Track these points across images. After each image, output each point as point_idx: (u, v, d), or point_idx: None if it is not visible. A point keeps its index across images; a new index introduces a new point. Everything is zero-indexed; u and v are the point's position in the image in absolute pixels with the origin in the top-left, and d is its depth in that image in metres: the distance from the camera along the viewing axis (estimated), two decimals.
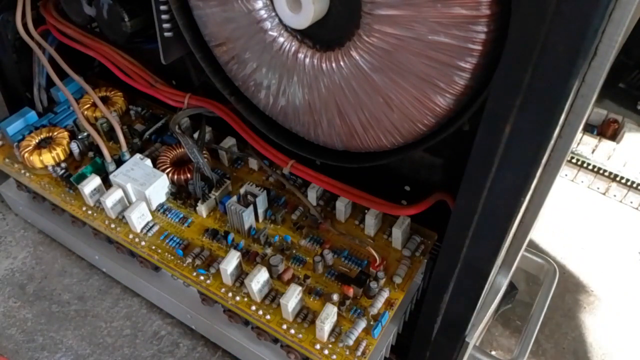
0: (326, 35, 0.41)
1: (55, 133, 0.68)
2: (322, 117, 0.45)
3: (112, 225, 0.61)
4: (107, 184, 0.62)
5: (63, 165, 0.67)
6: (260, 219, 0.60)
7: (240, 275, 0.55)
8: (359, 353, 0.49)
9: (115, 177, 0.61)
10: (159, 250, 0.58)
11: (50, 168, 0.66)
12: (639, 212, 0.87)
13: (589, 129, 0.88)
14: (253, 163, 0.65)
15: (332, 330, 0.51)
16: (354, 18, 0.38)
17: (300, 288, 0.51)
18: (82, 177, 0.63)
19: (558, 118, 0.30)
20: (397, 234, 0.55)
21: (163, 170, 0.62)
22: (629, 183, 0.87)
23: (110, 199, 0.59)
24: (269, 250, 0.57)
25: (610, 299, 0.76)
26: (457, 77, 0.36)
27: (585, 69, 0.29)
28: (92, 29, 0.65)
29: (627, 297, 0.77)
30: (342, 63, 0.40)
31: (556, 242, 0.84)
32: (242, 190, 0.60)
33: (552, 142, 0.33)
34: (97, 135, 0.65)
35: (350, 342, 0.50)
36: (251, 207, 0.57)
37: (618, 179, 0.87)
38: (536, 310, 0.63)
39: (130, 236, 0.60)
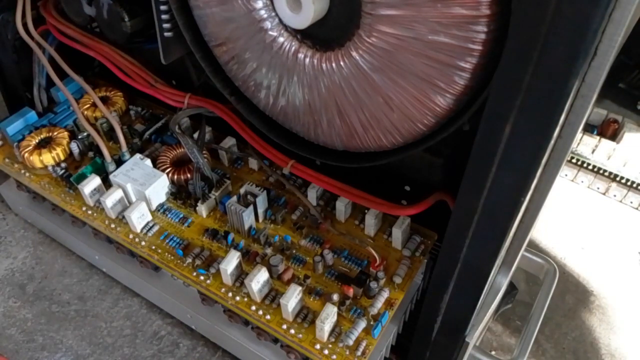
0: (326, 35, 0.41)
1: (55, 133, 0.68)
2: (322, 117, 0.45)
3: (112, 225, 0.61)
4: (107, 184, 0.62)
5: (63, 165, 0.67)
6: (260, 219, 0.60)
7: (240, 275, 0.55)
8: (359, 353, 0.49)
9: (115, 177, 0.61)
10: (159, 250, 0.58)
11: (50, 168, 0.66)
12: (639, 212, 0.87)
13: (589, 129, 0.88)
14: (253, 163, 0.65)
15: (332, 330, 0.51)
16: (354, 18, 0.38)
17: (300, 288, 0.51)
18: (82, 177, 0.63)
19: (558, 118, 0.30)
20: (397, 234, 0.55)
21: (163, 170, 0.62)
22: (629, 183, 0.87)
23: (110, 199, 0.59)
24: (269, 250, 0.57)
25: (610, 299, 0.76)
26: (457, 77, 0.36)
27: (585, 69, 0.29)
28: (92, 29, 0.65)
29: (627, 297, 0.77)
30: (342, 63, 0.40)
31: (556, 242, 0.84)
32: (242, 190, 0.60)
33: (552, 142, 0.33)
34: (97, 135, 0.65)
35: (350, 342, 0.50)
36: (251, 207, 0.57)
37: (618, 179, 0.87)
38: (536, 310, 0.63)
39: (130, 236, 0.60)
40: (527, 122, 0.31)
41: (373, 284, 0.52)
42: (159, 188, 0.61)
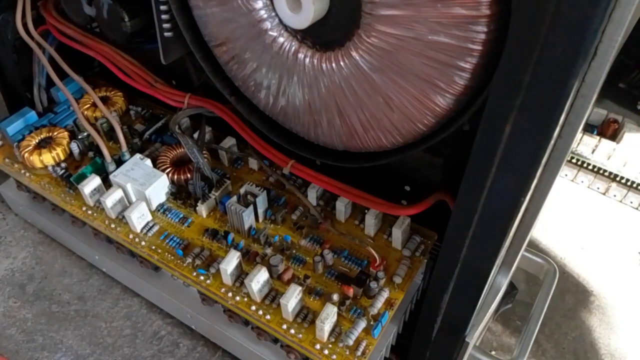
0: (326, 35, 0.41)
1: (55, 133, 0.68)
2: (322, 117, 0.45)
3: (112, 225, 0.61)
4: (107, 184, 0.62)
5: (63, 165, 0.67)
6: (260, 219, 0.60)
7: (240, 275, 0.55)
8: (359, 353, 0.49)
9: (115, 177, 0.61)
10: (159, 250, 0.58)
11: (50, 168, 0.66)
12: (639, 212, 0.87)
13: (589, 129, 0.88)
14: (253, 163, 0.65)
15: (332, 330, 0.51)
16: (354, 18, 0.38)
17: (300, 288, 0.51)
18: (82, 177, 0.63)
19: (558, 118, 0.30)
20: (397, 234, 0.55)
21: (163, 170, 0.62)
22: (629, 183, 0.87)
23: (110, 199, 0.59)
24: (269, 250, 0.57)
25: (610, 299, 0.76)
26: (457, 77, 0.36)
27: (585, 69, 0.29)
28: (92, 29, 0.65)
29: (627, 297, 0.77)
30: (342, 63, 0.40)
31: (556, 242, 0.84)
32: (242, 190, 0.60)
33: (552, 142, 0.33)
34: (97, 135, 0.65)
35: (350, 342, 0.50)
36: (251, 207, 0.57)
37: (618, 179, 0.87)
38: (536, 310, 0.63)
39: (130, 236, 0.60)
40: (527, 122, 0.31)
41: (373, 284, 0.52)
42: (159, 188, 0.61)
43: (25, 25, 0.67)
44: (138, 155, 0.63)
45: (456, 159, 0.49)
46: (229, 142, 0.66)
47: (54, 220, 0.74)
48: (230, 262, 0.53)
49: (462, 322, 0.47)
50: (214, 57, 0.49)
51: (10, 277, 0.74)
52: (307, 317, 0.52)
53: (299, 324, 0.52)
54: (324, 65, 0.41)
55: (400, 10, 0.34)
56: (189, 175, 0.62)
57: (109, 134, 0.69)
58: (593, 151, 0.86)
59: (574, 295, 0.77)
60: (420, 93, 0.38)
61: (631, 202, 0.88)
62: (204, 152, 0.62)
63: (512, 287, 0.69)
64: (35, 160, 0.66)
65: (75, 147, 0.67)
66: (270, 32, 0.42)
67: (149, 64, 0.64)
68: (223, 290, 0.54)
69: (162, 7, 0.47)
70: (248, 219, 0.57)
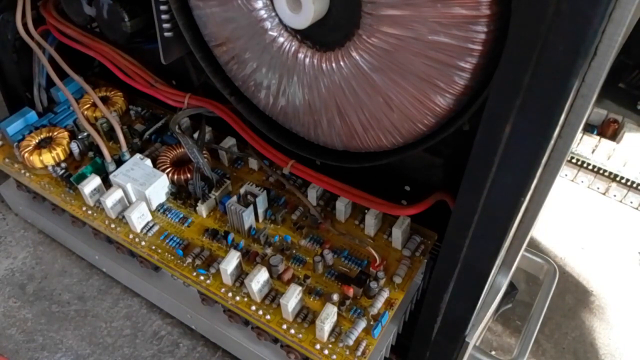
0: (326, 35, 0.41)
1: (55, 133, 0.68)
2: (322, 117, 0.45)
3: (112, 225, 0.61)
4: (107, 184, 0.62)
5: (63, 165, 0.67)
6: (260, 219, 0.60)
7: (240, 275, 0.55)
8: (359, 353, 0.49)
9: (115, 177, 0.61)
10: (159, 250, 0.58)
11: (50, 168, 0.66)
12: (639, 212, 0.87)
13: (589, 129, 0.88)
14: (253, 163, 0.65)
15: (332, 330, 0.51)
16: (354, 18, 0.38)
17: (300, 288, 0.51)
18: (82, 177, 0.63)
19: (558, 118, 0.30)
20: (397, 234, 0.55)
21: (163, 170, 0.62)
22: (629, 183, 0.87)
23: (110, 199, 0.59)
24: (269, 250, 0.57)
25: (610, 299, 0.76)
26: (457, 77, 0.36)
27: (585, 69, 0.29)
28: (92, 29, 0.65)
29: (627, 297, 0.77)
30: (342, 63, 0.40)
31: (556, 242, 0.84)
32: (242, 190, 0.60)
33: (552, 142, 0.33)
34: (97, 135, 0.65)
35: (350, 342, 0.50)
36: (251, 207, 0.57)
37: (618, 179, 0.87)
38: (536, 310, 0.63)
39: (130, 236, 0.60)
40: (527, 122, 0.31)
41: (373, 284, 0.52)
42: (159, 188, 0.61)
43: (25, 25, 0.67)
44: (138, 155, 0.63)
45: (456, 159, 0.49)
46: (229, 142, 0.66)
47: (54, 220, 0.74)
48: (230, 262, 0.53)
49: (462, 322, 0.47)
50: (214, 57, 0.49)
51: (10, 277, 0.74)
52: (307, 317, 0.52)
53: (299, 324, 0.52)
54: (324, 65, 0.41)
55: (401, 10, 0.34)
56: (189, 175, 0.62)
57: (109, 134, 0.69)
58: (593, 151, 0.86)
59: (574, 295, 0.77)
60: (420, 93, 0.38)
61: (631, 202, 0.88)
62: (204, 152, 0.62)
63: (512, 287, 0.69)
64: (35, 160, 0.66)
65: (75, 147, 0.67)
66: (270, 32, 0.42)
67: (149, 64, 0.64)
68: (223, 290, 0.54)
69: (162, 7, 0.47)
70: (248, 219, 0.57)
